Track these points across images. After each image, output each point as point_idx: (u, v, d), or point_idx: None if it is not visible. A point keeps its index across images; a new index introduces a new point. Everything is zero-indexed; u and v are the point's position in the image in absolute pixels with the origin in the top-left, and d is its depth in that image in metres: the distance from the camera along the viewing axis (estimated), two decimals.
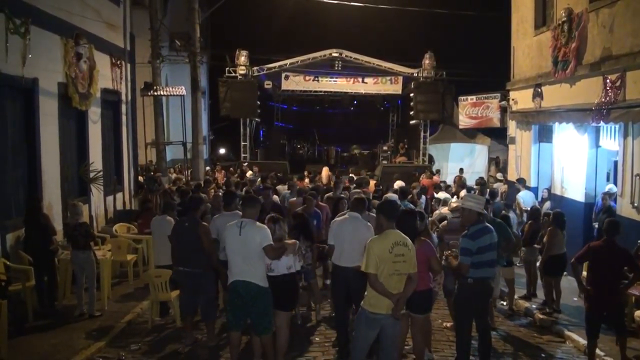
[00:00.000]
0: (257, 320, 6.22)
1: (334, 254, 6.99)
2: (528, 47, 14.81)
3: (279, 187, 14.21)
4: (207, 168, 21.92)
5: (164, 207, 9.23)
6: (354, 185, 13.89)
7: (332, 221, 7.30)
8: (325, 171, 19.65)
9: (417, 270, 5.33)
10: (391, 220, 5.41)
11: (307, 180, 17.87)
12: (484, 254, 6.16)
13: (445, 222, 8.46)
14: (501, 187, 16.12)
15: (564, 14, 11.92)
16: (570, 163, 12.26)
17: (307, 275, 8.12)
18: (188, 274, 7.19)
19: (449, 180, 18.21)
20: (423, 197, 14.58)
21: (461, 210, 6.55)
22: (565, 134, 12.49)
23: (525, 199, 12.91)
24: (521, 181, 13.67)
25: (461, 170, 19.75)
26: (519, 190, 13.66)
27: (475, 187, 15.58)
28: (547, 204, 12.44)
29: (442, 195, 13.85)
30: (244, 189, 13.94)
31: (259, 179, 16.84)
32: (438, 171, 20.88)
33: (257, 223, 6.23)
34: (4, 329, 6.91)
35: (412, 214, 6.29)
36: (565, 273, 10.79)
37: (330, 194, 11.16)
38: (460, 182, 15.79)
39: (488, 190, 13.87)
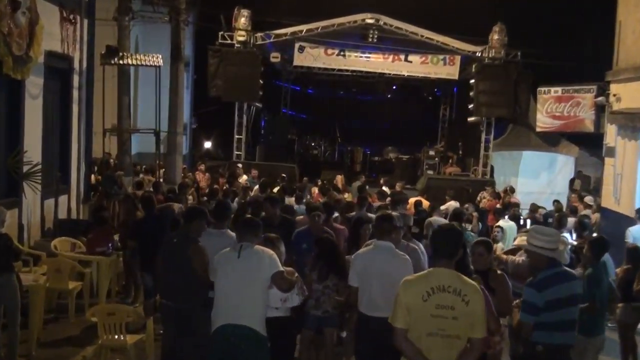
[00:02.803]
0: None
1: (359, 300, 6.84)
2: None
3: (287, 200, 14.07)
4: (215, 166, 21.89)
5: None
6: (388, 201, 13.72)
7: (355, 254, 7.13)
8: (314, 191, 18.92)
9: (483, 336, 4.93)
10: (440, 252, 5.04)
11: (315, 190, 17.71)
12: (556, 310, 6.01)
13: (511, 259, 8.28)
14: (593, 216, 15.82)
15: None
16: None
17: (324, 323, 7.97)
18: (174, 311, 7.12)
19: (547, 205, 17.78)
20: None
21: (526, 252, 6.41)
22: None
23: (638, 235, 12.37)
24: None
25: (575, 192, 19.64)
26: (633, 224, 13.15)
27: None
28: (630, 237, 12.06)
29: (504, 224, 13.64)
30: (235, 199, 13.88)
31: (257, 186, 16.70)
32: (512, 190, 20.43)
33: (259, 246, 6.35)
34: None
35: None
36: None
37: (354, 213, 10.99)
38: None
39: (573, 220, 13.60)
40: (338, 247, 8.15)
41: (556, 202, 18.41)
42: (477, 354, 4.91)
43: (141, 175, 18.31)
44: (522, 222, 14.72)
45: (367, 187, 17.63)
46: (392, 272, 6.48)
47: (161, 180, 17.60)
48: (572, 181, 23.03)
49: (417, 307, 4.85)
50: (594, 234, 13.01)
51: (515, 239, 12.81)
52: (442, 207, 15.18)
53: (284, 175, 20.56)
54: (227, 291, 6.19)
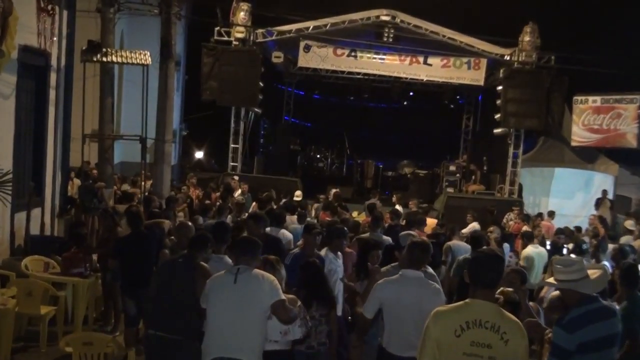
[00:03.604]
0: None
1: (388, 338, 6.78)
2: None
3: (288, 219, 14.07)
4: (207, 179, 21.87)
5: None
6: (403, 221, 13.71)
7: (379, 284, 7.03)
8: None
9: None
10: (479, 282, 4.98)
11: (315, 207, 17.74)
12: (591, 353, 5.83)
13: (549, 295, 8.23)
14: (635, 243, 15.78)
15: None
16: None
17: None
18: (163, 342, 7.05)
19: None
20: (507, 246, 14.34)
21: (559, 290, 6.35)
22: None
23: None
24: None
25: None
26: None
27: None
28: None
29: (533, 250, 13.60)
30: (229, 216, 13.88)
31: (254, 203, 16.71)
32: (552, 213, 20.23)
33: (259, 270, 6.34)
34: None
35: None
36: None
37: (367, 234, 10.96)
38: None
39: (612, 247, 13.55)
40: (323, 272, 8.10)
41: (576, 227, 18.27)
42: None
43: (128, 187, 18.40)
44: (565, 251, 14.63)
45: (376, 204, 17.53)
46: (425, 305, 6.31)
47: (147, 193, 17.61)
48: (598, 201, 22.92)
49: (449, 343, 4.80)
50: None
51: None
52: (464, 231, 15.16)
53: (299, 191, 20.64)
54: (222, 320, 6.17)
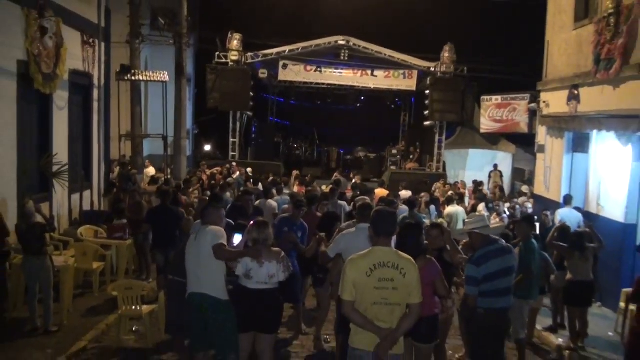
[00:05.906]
0: (217, 339, 6.24)
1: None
2: (565, 42, 14.69)
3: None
4: (214, 165, 21.79)
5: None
6: (358, 192, 13.77)
7: (340, 234, 6.99)
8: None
9: (420, 301, 4.92)
10: (381, 233, 4.99)
11: (296, 184, 17.73)
12: (493, 281, 6.13)
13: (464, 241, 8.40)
14: (528, 202, 15.95)
15: (610, 6, 11.71)
16: (609, 177, 12.09)
17: None
18: (179, 285, 6.86)
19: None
20: (432, 207, 14.46)
21: (469, 236, 6.57)
22: (604, 144, 12.33)
23: (566, 218, 12.40)
24: (567, 199, 13.10)
25: (480, 183, 19.57)
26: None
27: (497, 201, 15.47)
28: (558, 219, 12.15)
29: (453, 209, 13.71)
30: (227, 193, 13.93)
31: (247, 181, 16.72)
32: (481, 183, 20.11)
33: (213, 226, 6.34)
34: None
35: (413, 228, 6.12)
36: (599, 304, 10.64)
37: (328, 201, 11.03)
38: (479, 195, 15.66)
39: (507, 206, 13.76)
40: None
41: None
42: (416, 316, 4.91)
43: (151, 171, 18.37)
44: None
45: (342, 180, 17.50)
46: None
47: (169, 177, 17.60)
48: (490, 173, 23.13)
49: (362, 281, 4.81)
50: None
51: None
52: (402, 196, 15.24)
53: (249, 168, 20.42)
54: (190, 266, 6.35)
